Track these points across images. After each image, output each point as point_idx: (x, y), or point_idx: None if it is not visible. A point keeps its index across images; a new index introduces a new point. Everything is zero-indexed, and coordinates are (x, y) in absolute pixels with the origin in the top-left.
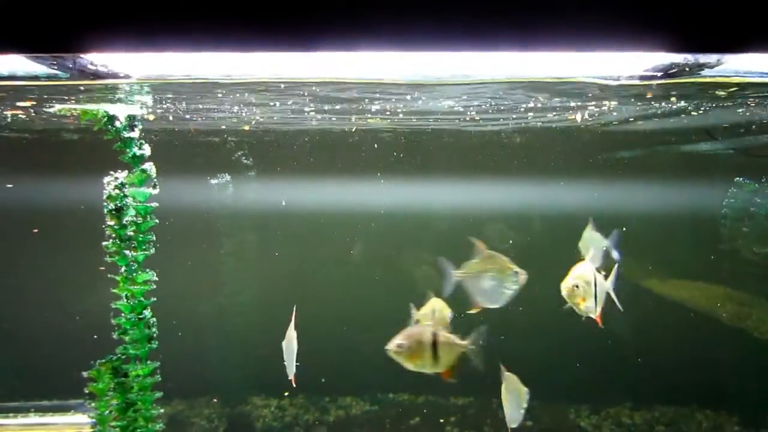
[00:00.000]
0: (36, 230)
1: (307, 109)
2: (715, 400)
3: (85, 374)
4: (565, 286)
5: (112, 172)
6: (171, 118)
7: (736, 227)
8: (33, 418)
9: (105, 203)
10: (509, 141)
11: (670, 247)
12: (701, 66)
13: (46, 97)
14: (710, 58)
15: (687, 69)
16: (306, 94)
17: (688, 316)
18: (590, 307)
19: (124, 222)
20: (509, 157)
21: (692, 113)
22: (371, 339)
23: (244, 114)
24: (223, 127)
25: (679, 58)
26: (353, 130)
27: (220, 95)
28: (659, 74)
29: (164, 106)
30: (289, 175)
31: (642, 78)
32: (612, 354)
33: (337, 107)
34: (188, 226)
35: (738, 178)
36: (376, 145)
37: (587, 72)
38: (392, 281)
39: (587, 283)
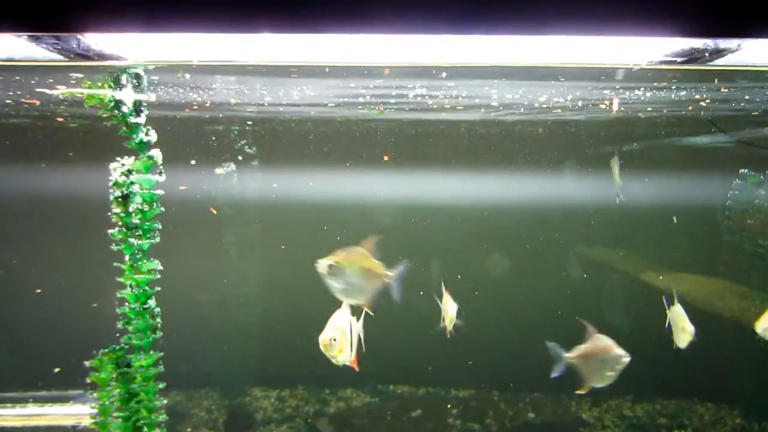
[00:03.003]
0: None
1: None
2: (715, 393)
3: (87, 364)
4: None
5: (118, 158)
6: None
7: (740, 219)
8: (32, 409)
9: (111, 190)
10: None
11: (673, 241)
12: (721, 51)
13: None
14: (730, 43)
15: (707, 54)
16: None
17: (690, 310)
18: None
19: (130, 210)
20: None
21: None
22: (370, 330)
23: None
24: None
25: (698, 43)
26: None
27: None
28: (678, 60)
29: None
30: (291, 163)
31: (660, 64)
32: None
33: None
34: (188, 216)
35: (742, 170)
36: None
37: (600, 57)
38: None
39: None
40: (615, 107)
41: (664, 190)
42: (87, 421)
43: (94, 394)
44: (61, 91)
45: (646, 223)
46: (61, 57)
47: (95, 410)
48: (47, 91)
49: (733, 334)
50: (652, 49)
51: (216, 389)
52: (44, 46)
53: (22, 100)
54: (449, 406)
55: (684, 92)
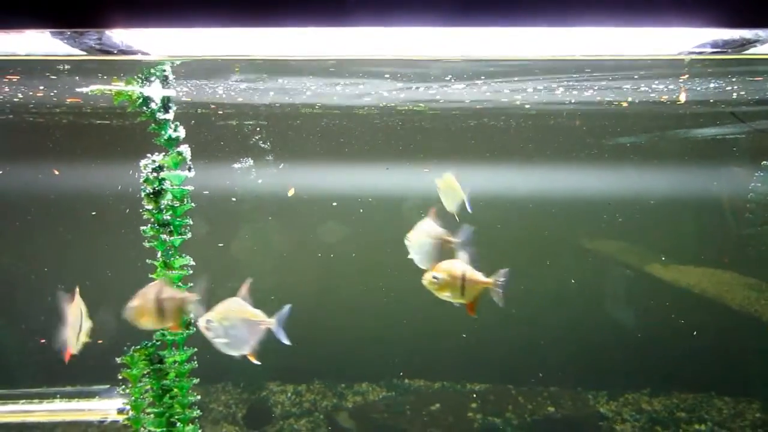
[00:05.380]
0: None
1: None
2: (732, 386)
3: (118, 360)
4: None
5: (149, 155)
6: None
7: (762, 211)
8: (58, 404)
9: (142, 187)
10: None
11: (690, 233)
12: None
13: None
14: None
15: (758, 43)
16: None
17: (701, 302)
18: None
19: (161, 206)
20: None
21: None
22: (385, 325)
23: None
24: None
25: (750, 34)
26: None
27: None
28: (728, 50)
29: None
30: (304, 159)
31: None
32: (626, 341)
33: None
34: (211, 210)
35: (765, 162)
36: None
37: (630, 48)
38: (405, 269)
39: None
40: (683, 98)
41: (673, 181)
42: (113, 417)
43: (127, 390)
44: (90, 88)
45: (655, 215)
46: (81, 52)
47: (126, 406)
48: (78, 89)
49: (747, 327)
50: (685, 39)
51: (233, 383)
52: (66, 41)
53: (62, 98)
54: (475, 395)
55: (713, 84)
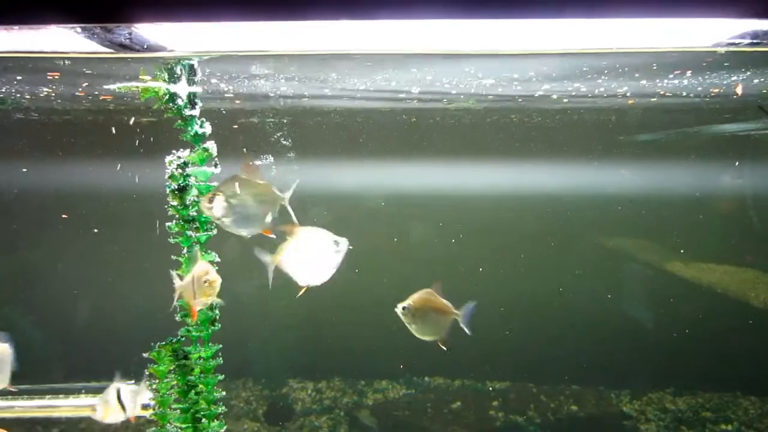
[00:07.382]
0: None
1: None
2: (758, 386)
3: (145, 355)
4: None
5: (174, 151)
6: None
7: None
8: (83, 399)
9: (167, 183)
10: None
11: (712, 231)
12: None
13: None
14: None
15: None
16: None
17: (722, 301)
18: None
19: (187, 202)
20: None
21: None
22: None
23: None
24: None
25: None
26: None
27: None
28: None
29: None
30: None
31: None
32: (649, 339)
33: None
34: None
35: None
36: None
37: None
38: (425, 266)
39: None
40: (739, 92)
41: (696, 178)
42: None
43: (152, 386)
44: (117, 85)
45: (675, 212)
46: (106, 49)
47: (151, 402)
48: (105, 86)
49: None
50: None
51: (254, 380)
52: (94, 38)
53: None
54: (496, 393)
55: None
